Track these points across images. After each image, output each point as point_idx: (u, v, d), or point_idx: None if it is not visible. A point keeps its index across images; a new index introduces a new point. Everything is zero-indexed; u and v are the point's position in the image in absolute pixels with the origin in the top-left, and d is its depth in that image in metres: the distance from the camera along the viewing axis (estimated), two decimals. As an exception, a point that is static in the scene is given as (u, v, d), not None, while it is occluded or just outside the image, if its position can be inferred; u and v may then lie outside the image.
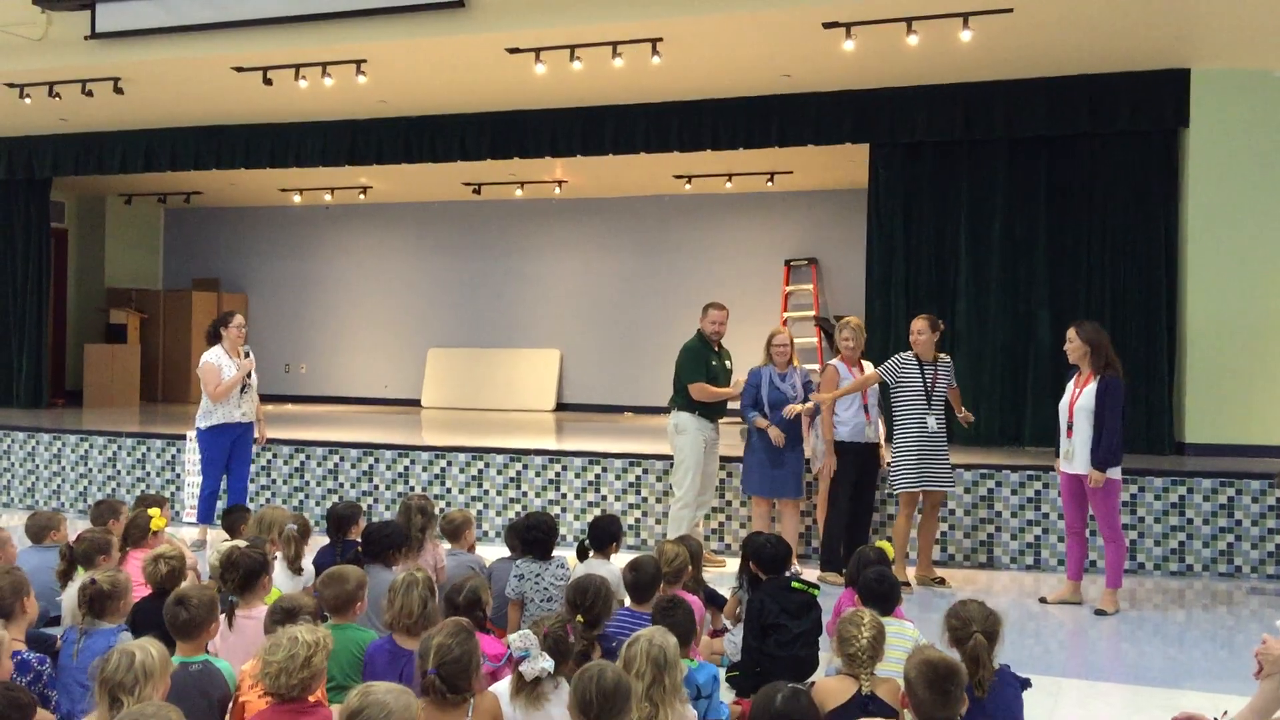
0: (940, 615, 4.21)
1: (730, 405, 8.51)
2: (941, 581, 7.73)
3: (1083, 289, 10.40)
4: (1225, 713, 4.02)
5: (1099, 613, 7.16)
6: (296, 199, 16.22)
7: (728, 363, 8.38)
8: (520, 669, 3.55)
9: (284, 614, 4.13)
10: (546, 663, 3.56)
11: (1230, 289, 9.72)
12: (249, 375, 8.60)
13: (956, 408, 7.84)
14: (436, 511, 6.13)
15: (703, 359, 8.19)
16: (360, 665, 4.20)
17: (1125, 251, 10.27)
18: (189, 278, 17.64)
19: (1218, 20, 8.79)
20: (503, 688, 3.63)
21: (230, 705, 3.84)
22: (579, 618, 4.22)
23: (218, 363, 8.52)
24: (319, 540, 6.33)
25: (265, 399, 16.70)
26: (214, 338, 8.66)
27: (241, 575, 4.51)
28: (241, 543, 5.15)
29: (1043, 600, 7.43)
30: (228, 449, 8.61)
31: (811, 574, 7.90)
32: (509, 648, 3.56)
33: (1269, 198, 9.67)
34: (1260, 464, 8.57)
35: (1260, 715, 3.72)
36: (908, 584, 7.58)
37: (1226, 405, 9.69)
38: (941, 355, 7.83)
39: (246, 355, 8.65)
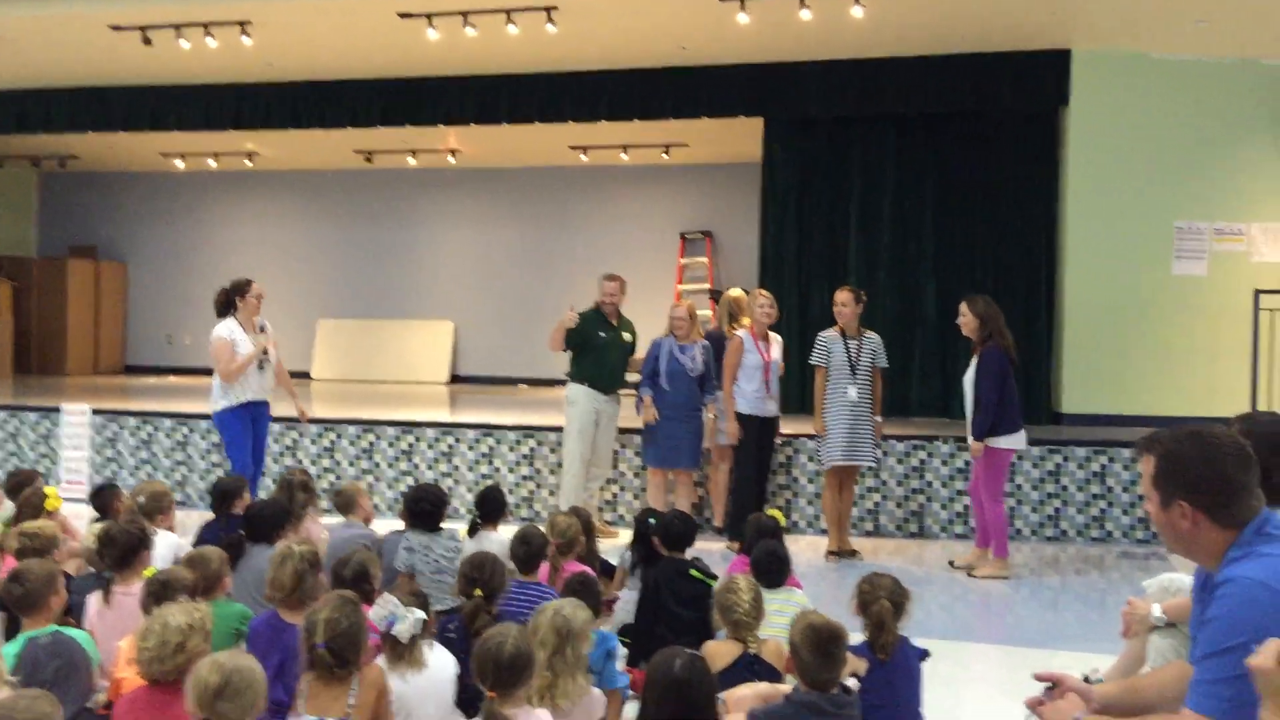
0: (852, 587, 4.36)
1: (629, 377, 8.55)
2: (855, 553, 7.86)
3: (967, 264, 10.70)
4: (1095, 670, 4.18)
5: (970, 573, 7.41)
6: (179, 164, 15.70)
7: (626, 335, 8.38)
8: (393, 633, 3.53)
9: (160, 587, 4.04)
10: (417, 615, 3.56)
11: (1106, 265, 10.07)
12: (266, 351, 7.63)
13: (875, 398, 7.77)
14: (318, 487, 6.02)
15: (581, 324, 8.17)
16: (235, 639, 4.12)
17: (1008, 228, 10.58)
18: (65, 245, 16.96)
19: (1097, 2, 9.06)
20: (383, 661, 3.60)
21: (103, 679, 3.74)
22: (476, 591, 4.22)
23: (230, 337, 7.49)
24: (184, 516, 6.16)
25: (144, 370, 16.43)
26: (227, 308, 7.60)
27: (119, 551, 4.39)
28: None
29: (962, 569, 7.57)
30: (250, 429, 7.64)
31: (714, 545, 8.01)
32: (372, 620, 3.53)
33: (1145, 177, 10.04)
34: (1131, 433, 8.91)
35: (1125, 673, 3.88)
36: (839, 553, 7.74)
37: (1101, 377, 10.06)
38: (869, 332, 7.86)
39: (262, 330, 7.65)
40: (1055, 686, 2.81)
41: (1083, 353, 10.15)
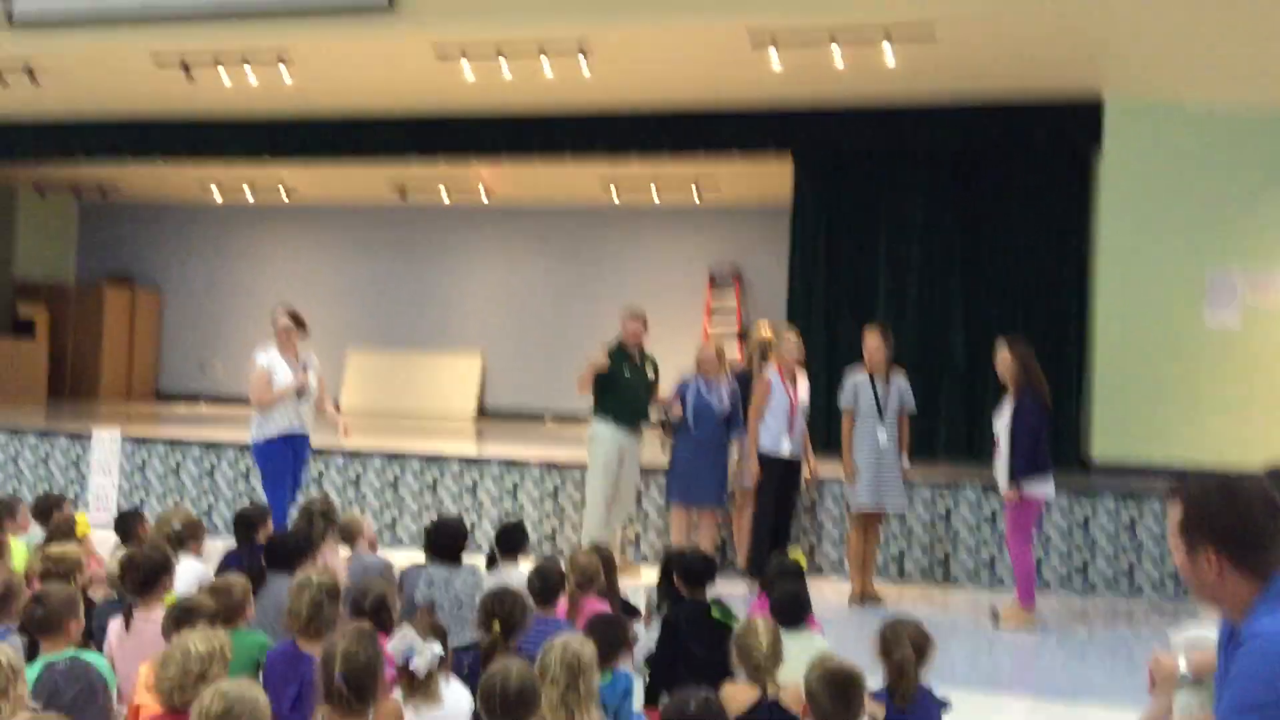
0: (873, 633, 4.32)
1: (653, 417, 8.54)
2: (878, 599, 7.79)
3: (996, 308, 10.64)
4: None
5: (996, 623, 7.30)
6: (217, 197, 15.92)
7: (650, 372, 8.39)
8: (411, 668, 3.52)
9: (182, 614, 4.06)
10: (435, 648, 3.54)
11: (1138, 311, 9.98)
12: (305, 383, 7.51)
13: (902, 442, 7.73)
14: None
15: (611, 361, 8.19)
16: (254, 669, 4.12)
17: (1038, 273, 10.53)
18: (102, 273, 17.20)
19: (1132, 51, 9.07)
20: (400, 695, 3.59)
21: (121, 704, 3.74)
22: (495, 625, 4.21)
23: (268, 365, 7.43)
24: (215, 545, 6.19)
25: (176, 397, 16.56)
26: (276, 335, 7.61)
27: (141, 576, 4.41)
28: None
29: (994, 617, 7.42)
30: (289, 459, 7.55)
31: (737, 587, 7.96)
32: (390, 653, 3.52)
33: (1176, 224, 9.96)
34: (1163, 483, 8.80)
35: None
36: (863, 598, 7.67)
37: (1132, 424, 9.94)
38: (898, 374, 7.81)
39: (305, 368, 7.53)
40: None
41: (1114, 399, 10.04)
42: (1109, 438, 10.03)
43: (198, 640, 3.42)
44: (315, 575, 4.22)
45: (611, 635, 4.20)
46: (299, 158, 12.45)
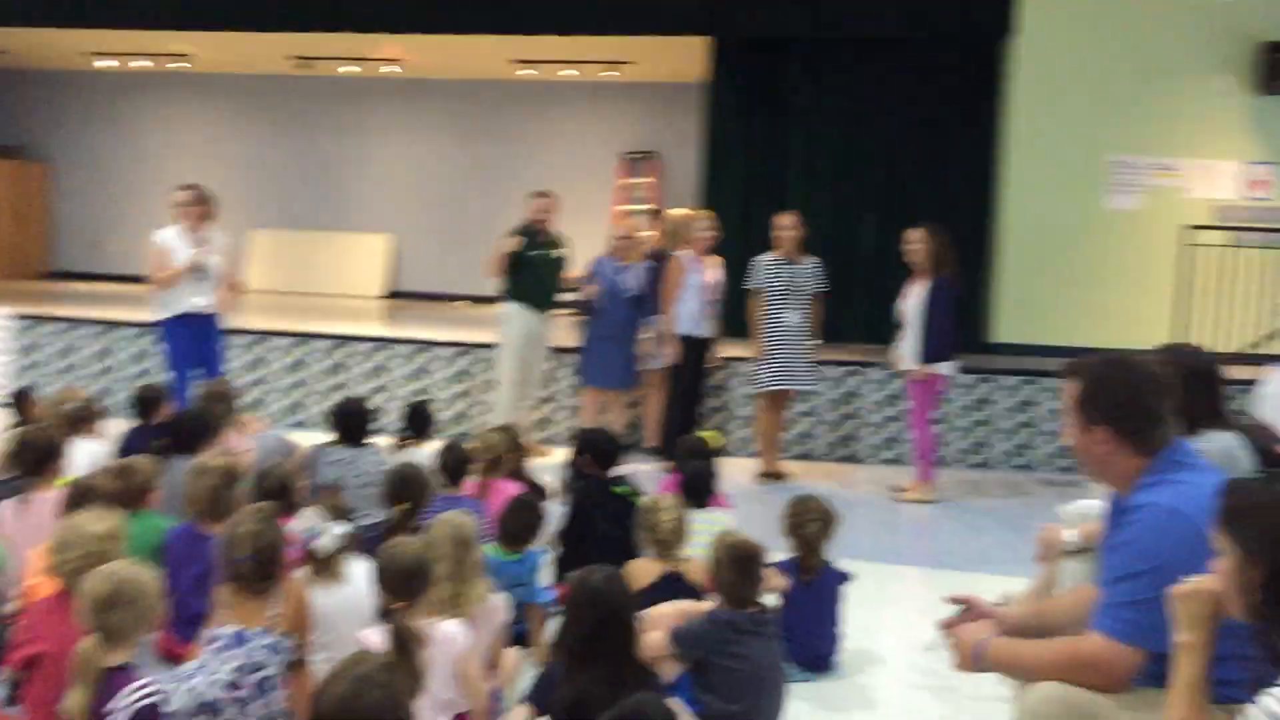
0: (781, 509, 4.42)
1: (563, 296, 8.49)
2: (785, 476, 7.94)
3: (908, 191, 10.70)
4: (1007, 595, 4.27)
5: (897, 493, 7.53)
6: (109, 64, 15.13)
7: (553, 252, 8.28)
8: (314, 548, 3.50)
9: (80, 493, 3.98)
10: (338, 528, 3.53)
11: (1043, 197, 10.14)
12: (203, 262, 7.24)
13: (814, 325, 7.81)
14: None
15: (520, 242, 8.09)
16: (157, 552, 4.07)
17: (949, 155, 10.59)
18: (-13, 144, 16.36)
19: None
20: (304, 575, 3.58)
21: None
22: (400, 505, 4.21)
23: (164, 244, 7.21)
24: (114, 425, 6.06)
25: (72, 276, 15.99)
26: (175, 214, 7.34)
27: (32, 456, 4.29)
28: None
29: (894, 492, 7.68)
30: (189, 339, 7.34)
31: (647, 466, 8.05)
32: (293, 536, 3.50)
33: (1085, 107, 10.07)
34: (1059, 363, 9.04)
35: (1038, 597, 3.97)
36: (770, 475, 7.81)
37: (1033, 308, 10.19)
38: (808, 256, 7.85)
39: (206, 241, 7.30)
40: (967, 609, 2.86)
41: (1017, 283, 10.27)
42: (1010, 320, 10.28)
43: (93, 521, 3.35)
44: (213, 459, 4.14)
45: (526, 519, 4.23)
46: (195, 27, 11.86)
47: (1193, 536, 2.34)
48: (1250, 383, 8.42)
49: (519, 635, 4.27)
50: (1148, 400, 2.54)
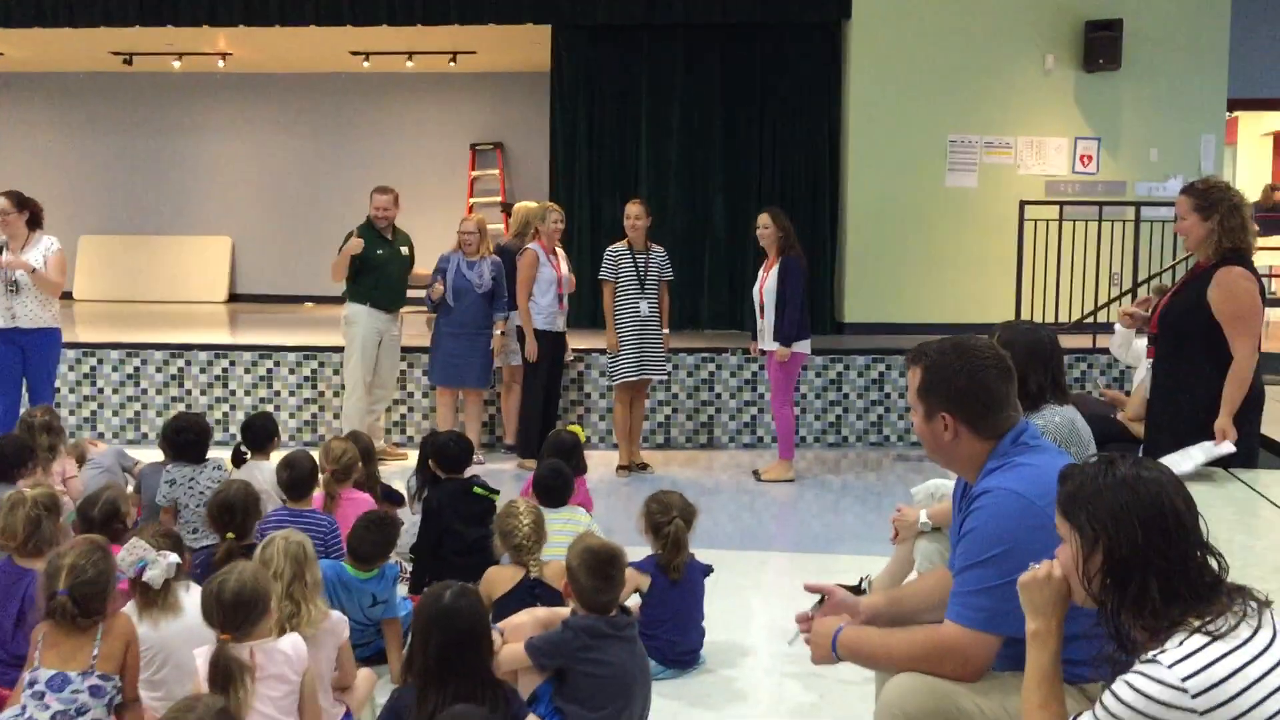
0: (640, 504, 4.35)
1: (411, 294, 8.27)
2: (646, 466, 7.89)
3: (754, 176, 10.83)
4: (866, 576, 4.31)
5: (759, 478, 7.59)
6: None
7: (404, 249, 8.07)
8: (145, 580, 3.29)
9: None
10: (170, 559, 3.32)
11: (885, 177, 10.37)
12: (12, 274, 6.67)
13: (662, 312, 7.76)
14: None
15: (363, 241, 7.84)
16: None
17: (793, 139, 10.75)
18: None
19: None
20: (132, 608, 3.35)
21: None
22: (229, 534, 4.00)
23: None
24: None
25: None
26: None
27: None
28: None
29: (755, 474, 7.71)
30: (14, 361, 6.80)
31: (506, 465, 7.92)
32: (120, 567, 3.27)
33: (921, 90, 10.33)
34: (909, 341, 9.23)
35: (895, 577, 4.01)
36: (630, 467, 7.75)
37: (880, 287, 10.41)
38: (655, 245, 7.81)
39: (1, 249, 6.73)
40: (823, 599, 2.84)
41: (863, 263, 10.47)
42: (858, 299, 10.49)
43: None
44: (29, 490, 3.85)
45: (375, 537, 4.06)
46: (3, 23, 11.16)
47: (1038, 519, 2.35)
48: (1087, 351, 8.78)
49: (378, 653, 4.12)
50: (988, 385, 2.54)
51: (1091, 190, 10.35)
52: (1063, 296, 9.22)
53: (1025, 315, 9.15)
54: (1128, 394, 6.18)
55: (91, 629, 3.15)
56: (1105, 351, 7.73)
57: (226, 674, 2.87)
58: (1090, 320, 9.19)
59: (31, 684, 3.08)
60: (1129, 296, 9.39)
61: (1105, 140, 10.47)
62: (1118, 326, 5.60)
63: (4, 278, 6.73)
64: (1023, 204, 9.41)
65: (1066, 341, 5.12)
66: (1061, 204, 9.63)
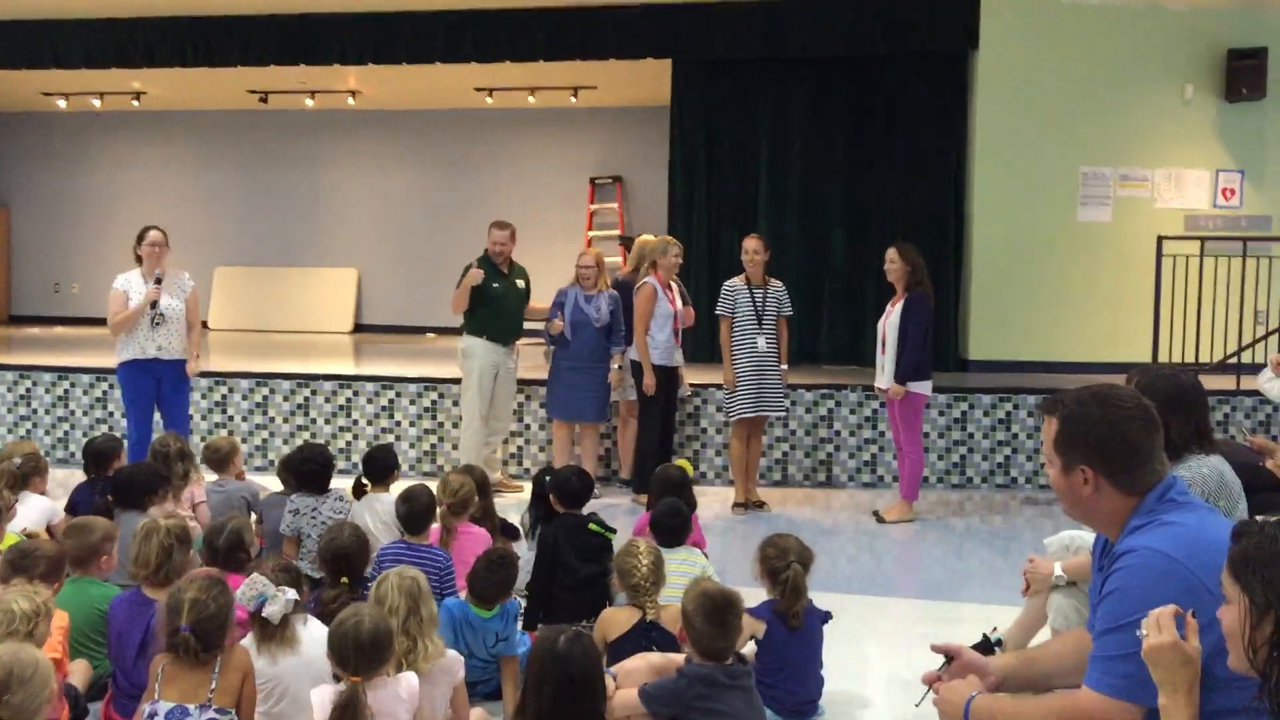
0: (756, 546, 4.24)
1: (529, 326, 8.33)
2: (762, 504, 7.78)
3: (877, 211, 10.65)
4: (995, 629, 4.13)
5: (880, 520, 7.40)
6: (61, 104, 14.91)
7: (520, 282, 8.12)
8: (265, 615, 3.31)
9: (19, 557, 3.78)
10: (289, 594, 3.35)
11: (1013, 210, 10.09)
12: (154, 305, 6.95)
13: (781, 348, 7.65)
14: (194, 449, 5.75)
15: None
16: (101, 620, 3.86)
17: (917, 172, 10.55)
18: (-58, 189, 16.10)
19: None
20: (250, 641, 3.38)
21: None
22: (343, 580, 4.00)
23: (124, 288, 7.01)
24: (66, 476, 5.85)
25: (30, 320, 15.71)
26: (137, 258, 7.12)
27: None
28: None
29: (876, 515, 7.53)
30: (151, 390, 7.08)
31: (621, 499, 7.88)
32: (241, 602, 3.31)
33: (1051, 122, 10.04)
34: (1036, 379, 8.95)
35: (1026, 631, 3.83)
36: (746, 505, 7.63)
37: (1007, 323, 10.11)
38: (774, 280, 7.73)
39: (158, 281, 6.99)
40: (950, 660, 2.70)
41: (989, 299, 10.18)
42: (984, 336, 10.20)
43: (19, 598, 3.16)
44: (163, 519, 3.94)
45: (498, 578, 4.03)
46: (145, 64, 11.70)
47: (1187, 583, 2.19)
48: (1230, 393, 8.36)
49: (498, 690, 4.09)
50: (1131, 437, 2.39)
51: (1234, 225, 9.89)
52: (1203, 335, 8.80)
53: (1164, 355, 8.77)
54: (1276, 440, 5.84)
55: (210, 662, 3.19)
56: (1250, 393, 7.34)
57: (354, 716, 2.86)
58: (1234, 360, 8.74)
59: (151, 716, 3.13)
60: (1276, 336, 8.94)
61: (1249, 172, 10.03)
62: (1267, 369, 5.31)
63: (151, 312, 6.98)
64: (1160, 239, 9.03)
65: (1208, 382, 4.84)
66: (1203, 239, 9.19)
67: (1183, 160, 10.07)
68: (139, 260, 7.11)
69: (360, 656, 2.97)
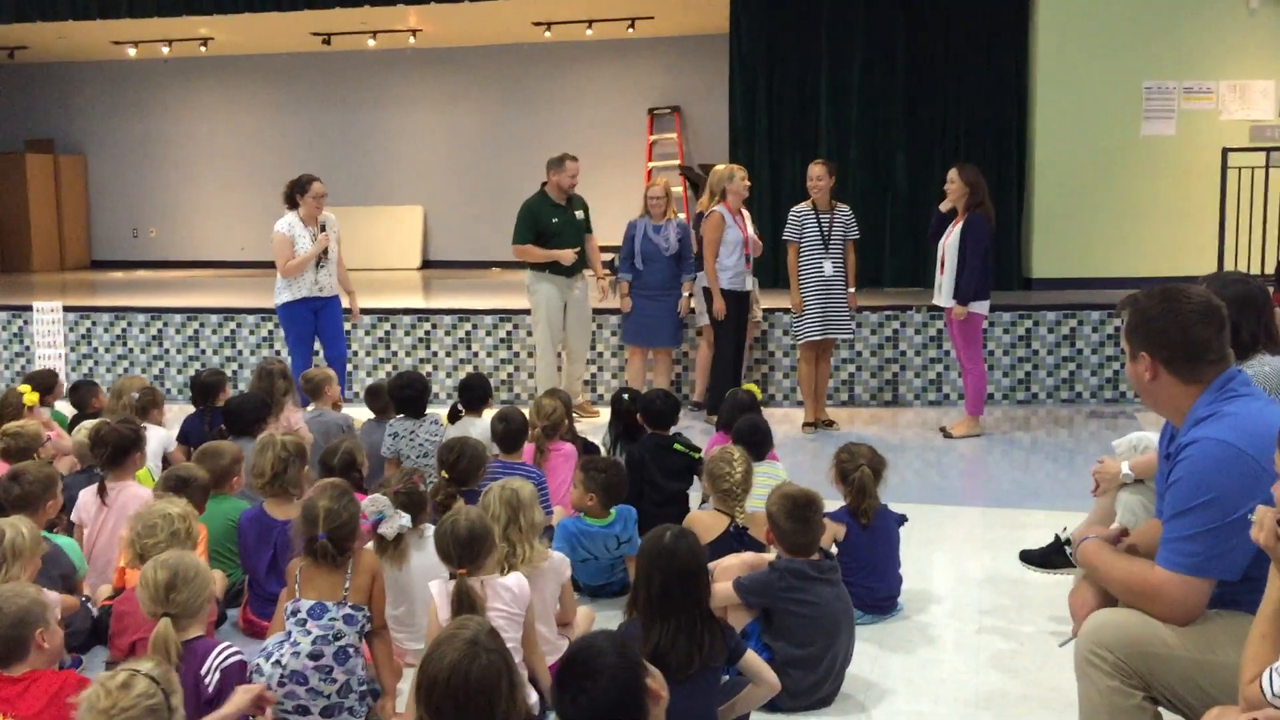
0: (830, 456, 4.50)
1: (605, 256, 8.55)
2: (831, 424, 8.00)
3: (938, 132, 10.65)
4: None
5: (947, 435, 7.60)
6: (131, 52, 15.25)
7: (579, 213, 8.27)
8: (380, 531, 3.63)
9: (177, 482, 4.12)
10: (403, 519, 3.67)
11: (1076, 126, 10.04)
12: (326, 250, 7.72)
13: (849, 271, 7.84)
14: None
15: (532, 218, 8.09)
16: (233, 534, 4.22)
17: (979, 92, 10.51)
18: (21, 139, 16.56)
19: None
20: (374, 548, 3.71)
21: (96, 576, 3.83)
22: (444, 474, 4.32)
23: (289, 233, 7.58)
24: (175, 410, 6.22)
25: (111, 265, 16.23)
26: (290, 202, 7.71)
27: (110, 451, 4.43)
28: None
29: (943, 431, 7.75)
30: (311, 323, 7.78)
31: (693, 422, 8.13)
32: (364, 511, 3.62)
33: (1114, 34, 9.94)
34: (1100, 296, 9.03)
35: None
36: (816, 424, 7.87)
37: (1071, 241, 10.13)
38: (840, 204, 7.86)
39: (323, 229, 7.71)
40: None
41: (1052, 217, 10.20)
42: (1048, 254, 10.23)
43: (166, 504, 3.50)
44: (279, 434, 4.27)
45: (614, 480, 4.31)
46: (215, 11, 11.95)
47: (1247, 467, 2.39)
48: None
49: (620, 589, 4.39)
50: (1191, 328, 2.59)
51: (1302, 135, 9.80)
52: (1269, 247, 8.80)
53: (1229, 267, 8.78)
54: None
55: (344, 565, 3.50)
56: (1316, 304, 7.38)
57: (469, 604, 3.16)
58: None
59: (294, 612, 3.45)
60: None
61: (1316, 81, 9.89)
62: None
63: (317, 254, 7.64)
64: (1225, 151, 8.99)
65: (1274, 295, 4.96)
66: (1269, 150, 9.13)
67: (1248, 71, 9.95)
68: (291, 204, 7.69)
69: (461, 550, 3.27)
